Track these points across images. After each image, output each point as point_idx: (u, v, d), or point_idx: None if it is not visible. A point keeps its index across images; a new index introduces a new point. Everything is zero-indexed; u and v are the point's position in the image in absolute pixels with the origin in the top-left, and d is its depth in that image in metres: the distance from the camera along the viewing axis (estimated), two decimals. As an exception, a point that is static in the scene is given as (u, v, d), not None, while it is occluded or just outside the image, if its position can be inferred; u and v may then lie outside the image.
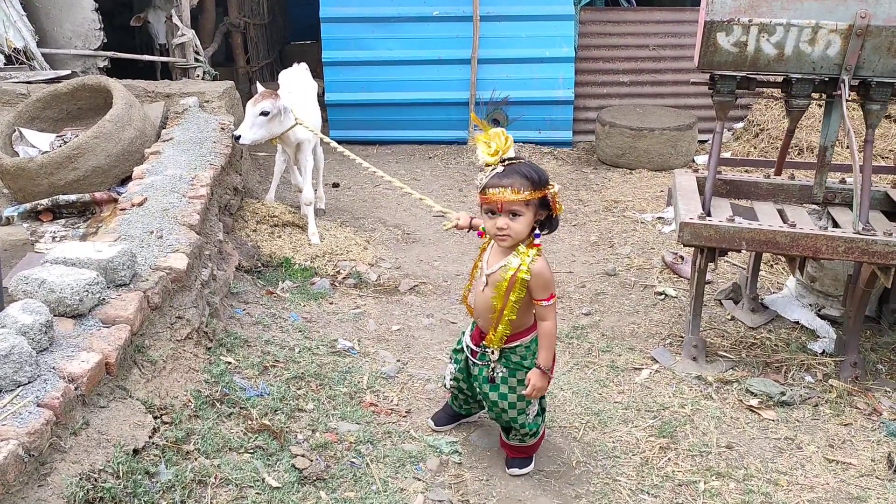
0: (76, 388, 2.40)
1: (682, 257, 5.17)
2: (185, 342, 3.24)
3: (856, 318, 3.73)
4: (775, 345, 4.08)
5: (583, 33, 8.03)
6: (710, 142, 4.00)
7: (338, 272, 4.96)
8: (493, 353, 2.87)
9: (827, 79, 3.77)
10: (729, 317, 4.43)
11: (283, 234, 5.26)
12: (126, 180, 5.16)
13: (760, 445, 3.24)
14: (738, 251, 3.67)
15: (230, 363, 3.38)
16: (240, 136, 4.84)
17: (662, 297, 4.76)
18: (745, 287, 4.50)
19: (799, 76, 3.76)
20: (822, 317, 4.32)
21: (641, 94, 8.11)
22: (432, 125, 8.02)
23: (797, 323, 4.32)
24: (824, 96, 3.89)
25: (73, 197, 4.98)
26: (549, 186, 2.64)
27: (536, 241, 2.69)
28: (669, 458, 3.14)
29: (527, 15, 7.69)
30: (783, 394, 3.55)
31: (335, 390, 3.49)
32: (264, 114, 4.82)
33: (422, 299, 4.71)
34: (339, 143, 5.51)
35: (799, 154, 6.73)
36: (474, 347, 2.96)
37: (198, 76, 7.18)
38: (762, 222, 3.55)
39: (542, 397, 2.96)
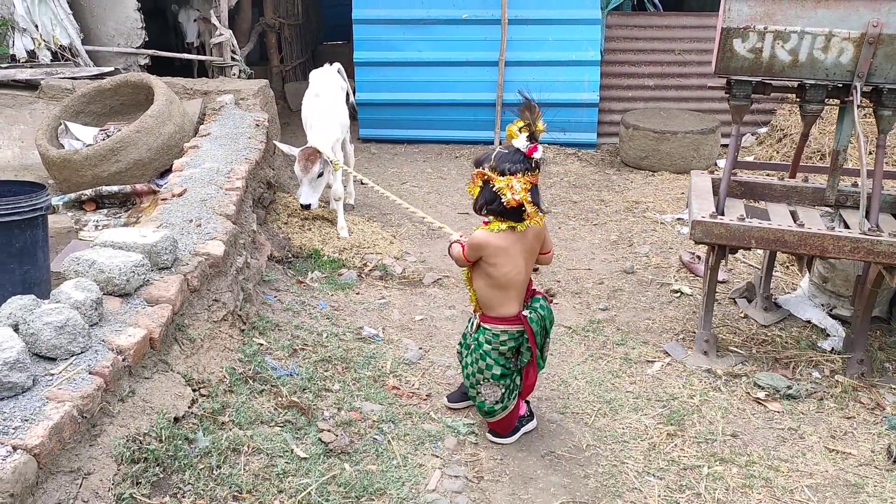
0: (123, 360, 2.62)
1: (699, 257, 5.30)
2: (220, 323, 3.47)
3: (863, 317, 3.85)
4: (785, 342, 4.20)
5: (609, 37, 8.18)
6: (729, 144, 4.14)
7: (364, 264, 5.16)
8: (474, 320, 3.20)
9: (840, 85, 3.90)
10: (742, 315, 4.56)
11: (313, 228, 5.48)
12: (165, 173, 5.42)
13: (764, 434, 3.38)
14: (748, 249, 3.81)
15: (262, 344, 3.60)
16: (309, 205, 5.09)
17: (678, 294, 4.90)
18: (758, 286, 4.62)
19: (812, 82, 3.88)
20: (834, 316, 4.43)
21: (666, 98, 8.22)
22: (459, 125, 8.22)
23: (809, 322, 4.43)
24: (838, 102, 4.02)
25: (115, 188, 5.24)
26: (475, 167, 2.99)
27: (485, 218, 3.02)
28: (676, 444, 3.29)
29: (554, 19, 7.85)
30: (790, 388, 3.68)
31: (360, 373, 3.69)
32: (321, 174, 5.11)
33: (445, 292, 4.89)
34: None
35: (821, 159, 6.81)
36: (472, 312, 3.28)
37: (234, 74, 7.44)
38: (772, 222, 3.68)
39: (509, 386, 3.17)
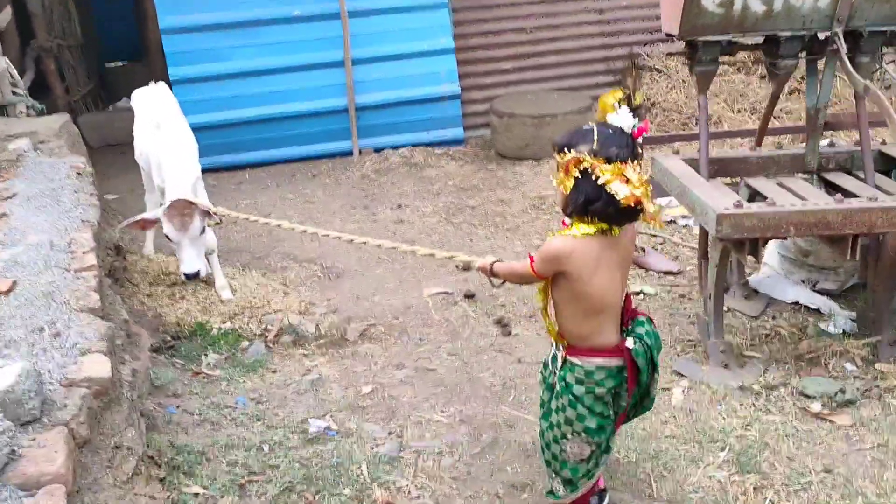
0: None
1: (643, 249, 4.72)
2: (133, 481, 2.30)
3: (885, 293, 3.39)
4: (791, 333, 3.69)
5: (457, 21, 7.45)
6: (698, 118, 3.54)
7: (266, 329, 4.05)
8: (559, 353, 2.41)
9: (813, 35, 3.42)
10: (725, 309, 4.00)
11: (186, 294, 4.25)
12: None
13: (857, 460, 2.79)
14: (784, 238, 3.22)
15: (198, 494, 2.46)
16: (197, 273, 3.92)
17: (641, 296, 4.28)
18: (732, 274, 4.09)
19: (788, 34, 3.37)
20: (819, 292, 4.00)
21: (526, 81, 7.66)
22: (310, 139, 7.13)
23: (796, 303, 3.97)
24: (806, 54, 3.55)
25: None
26: (564, 152, 2.15)
27: (566, 219, 2.26)
28: (771, 500, 2.61)
29: (398, 7, 6.99)
30: (842, 391, 3.14)
31: (337, 495, 2.66)
32: (203, 230, 3.94)
33: (380, 347, 3.92)
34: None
35: (715, 124, 6.56)
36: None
37: (21, 113, 5.86)
38: (794, 202, 3.11)
39: (601, 445, 2.39)
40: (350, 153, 7.15)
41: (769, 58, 3.50)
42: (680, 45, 7.74)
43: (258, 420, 3.15)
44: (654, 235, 5.01)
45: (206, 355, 3.71)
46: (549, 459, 2.46)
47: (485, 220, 5.54)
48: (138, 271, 4.31)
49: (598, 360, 2.29)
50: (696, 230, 5.06)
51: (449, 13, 7.23)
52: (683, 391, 3.32)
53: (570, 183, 2.13)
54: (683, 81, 7.38)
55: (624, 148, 2.10)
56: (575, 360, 2.32)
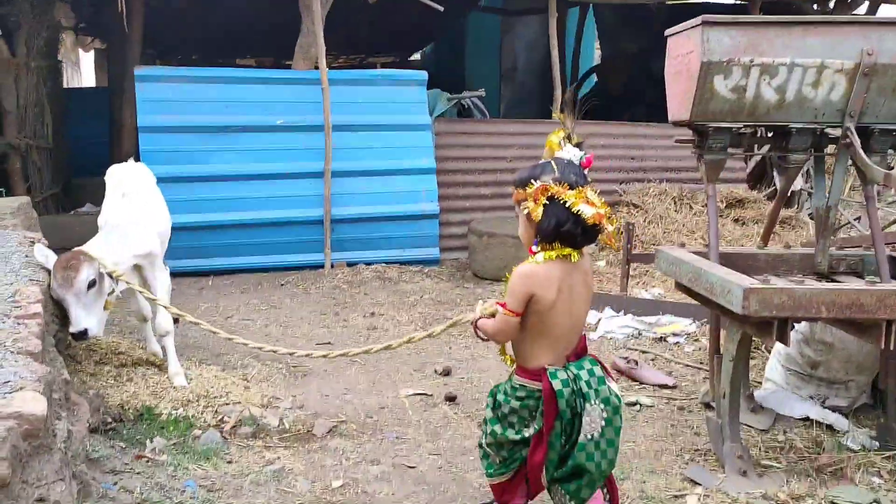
0: None
1: (636, 361, 4.44)
2: (54, 546, 1.81)
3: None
4: (807, 446, 3.37)
5: (439, 145, 7.47)
6: (707, 209, 3.40)
7: (222, 420, 3.58)
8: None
9: (822, 130, 3.37)
10: (731, 420, 3.68)
11: (135, 377, 3.79)
12: None
13: (914, 576, 2.41)
14: (815, 320, 2.98)
15: (133, 574, 1.97)
16: (85, 332, 3.33)
17: (637, 407, 3.95)
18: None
19: (800, 125, 3.31)
20: (829, 408, 3.72)
21: (504, 207, 7.61)
22: (280, 248, 6.86)
23: (806, 418, 3.68)
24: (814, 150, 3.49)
25: None
26: (527, 186, 2.33)
27: (534, 247, 2.39)
28: None
29: (382, 124, 7.02)
30: (877, 501, 2.79)
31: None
32: (92, 284, 3.39)
33: (353, 443, 3.47)
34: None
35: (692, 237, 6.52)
36: None
37: (-23, 194, 5.53)
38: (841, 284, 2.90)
39: (508, 457, 2.48)
40: (321, 266, 6.87)
41: (779, 151, 3.42)
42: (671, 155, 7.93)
43: (210, 507, 2.66)
44: (645, 352, 4.75)
45: (151, 440, 3.22)
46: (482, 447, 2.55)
47: (464, 329, 5.21)
48: (84, 350, 3.85)
49: (522, 380, 2.41)
50: (687, 347, 4.84)
51: (432, 135, 7.27)
52: (699, 498, 2.94)
53: (540, 210, 2.27)
54: (660, 217, 7.42)
55: (580, 176, 2.31)
56: (514, 377, 2.45)
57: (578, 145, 2.38)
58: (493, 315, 2.43)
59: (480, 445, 2.56)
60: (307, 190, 6.86)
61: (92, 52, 14.90)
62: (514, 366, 2.47)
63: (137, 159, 4.88)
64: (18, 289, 3.05)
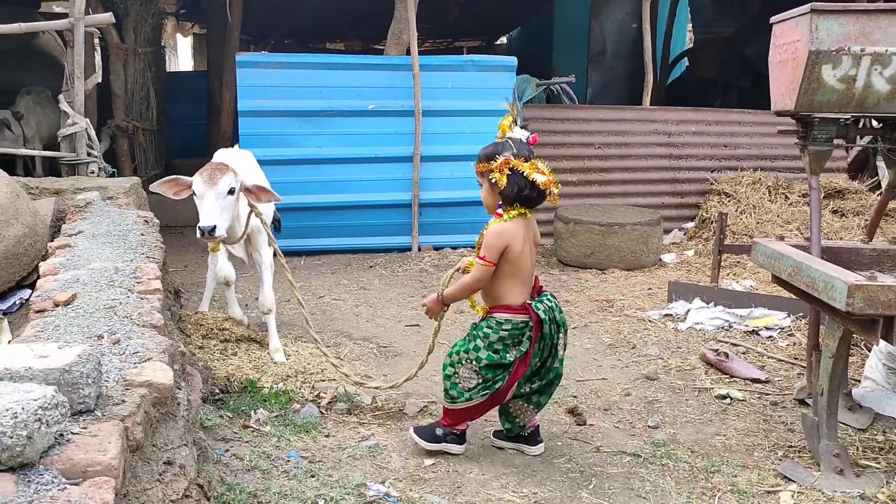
0: None
1: (726, 354, 4.38)
2: (182, 503, 1.97)
3: None
4: (908, 447, 3.28)
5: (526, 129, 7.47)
6: (810, 200, 3.33)
7: (319, 395, 3.75)
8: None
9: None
10: (826, 417, 3.61)
11: (239, 351, 4.01)
12: (6, 294, 3.82)
13: None
14: None
15: (249, 534, 2.11)
16: (214, 228, 3.49)
17: (728, 400, 3.91)
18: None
19: (912, 117, 3.20)
20: (932, 410, 3.60)
21: (591, 195, 7.58)
22: (370, 231, 7.03)
23: (907, 419, 3.57)
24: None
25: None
26: (492, 160, 2.97)
27: (499, 210, 3.04)
28: None
29: (471, 110, 7.05)
30: (984, 508, 2.71)
31: (402, 562, 2.28)
32: (231, 192, 3.63)
33: (443, 423, 3.57)
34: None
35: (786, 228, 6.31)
36: None
37: (91, 173, 5.88)
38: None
39: (488, 382, 3.07)
40: (409, 249, 7.02)
41: (888, 143, 3.32)
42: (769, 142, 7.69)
43: (312, 476, 2.80)
44: (736, 344, 4.68)
45: (255, 411, 3.40)
46: (448, 377, 3.13)
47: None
48: (192, 324, 4.08)
49: (507, 315, 3.03)
50: (781, 342, 4.74)
51: (520, 121, 7.27)
52: (793, 495, 2.91)
53: (505, 179, 2.91)
54: (753, 206, 7.23)
55: (530, 151, 3.01)
56: (493, 314, 3.06)
57: (524, 126, 3.18)
58: (470, 266, 3.14)
59: (448, 376, 3.11)
60: (396, 174, 6.99)
61: (190, 37, 15.47)
62: (484, 311, 3.11)
63: (234, 143, 5.07)
64: (139, 265, 3.25)
